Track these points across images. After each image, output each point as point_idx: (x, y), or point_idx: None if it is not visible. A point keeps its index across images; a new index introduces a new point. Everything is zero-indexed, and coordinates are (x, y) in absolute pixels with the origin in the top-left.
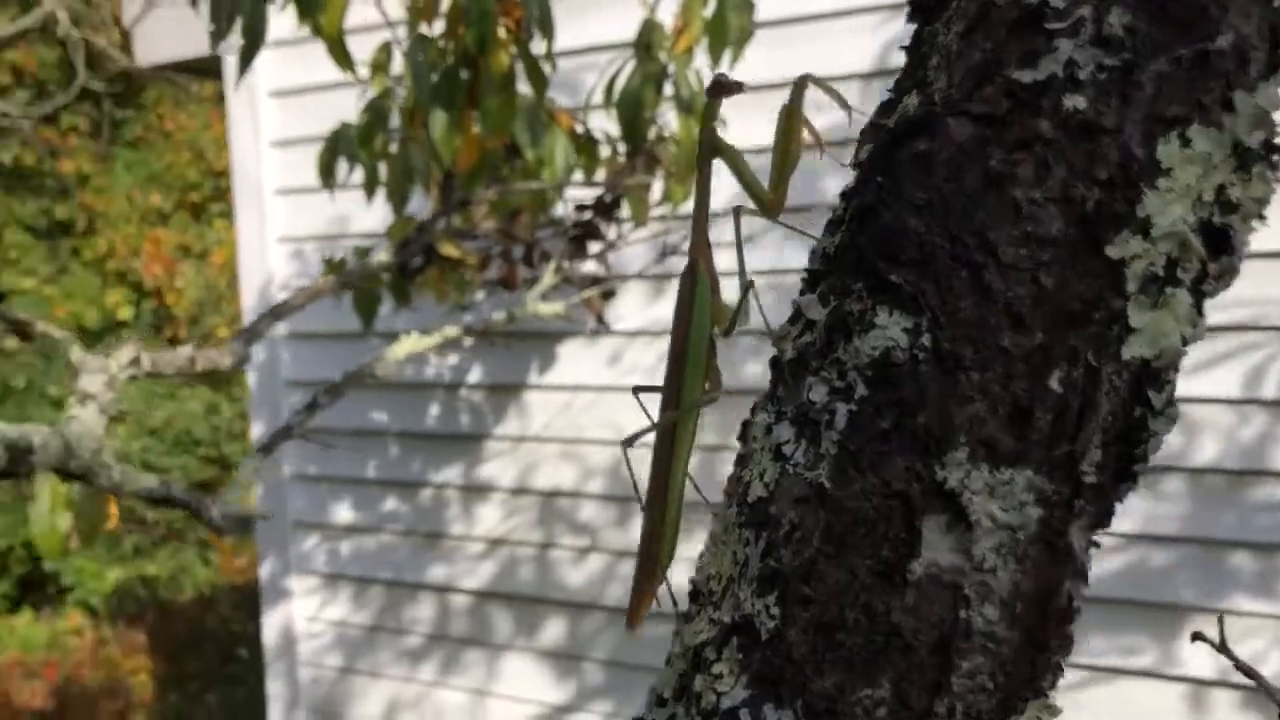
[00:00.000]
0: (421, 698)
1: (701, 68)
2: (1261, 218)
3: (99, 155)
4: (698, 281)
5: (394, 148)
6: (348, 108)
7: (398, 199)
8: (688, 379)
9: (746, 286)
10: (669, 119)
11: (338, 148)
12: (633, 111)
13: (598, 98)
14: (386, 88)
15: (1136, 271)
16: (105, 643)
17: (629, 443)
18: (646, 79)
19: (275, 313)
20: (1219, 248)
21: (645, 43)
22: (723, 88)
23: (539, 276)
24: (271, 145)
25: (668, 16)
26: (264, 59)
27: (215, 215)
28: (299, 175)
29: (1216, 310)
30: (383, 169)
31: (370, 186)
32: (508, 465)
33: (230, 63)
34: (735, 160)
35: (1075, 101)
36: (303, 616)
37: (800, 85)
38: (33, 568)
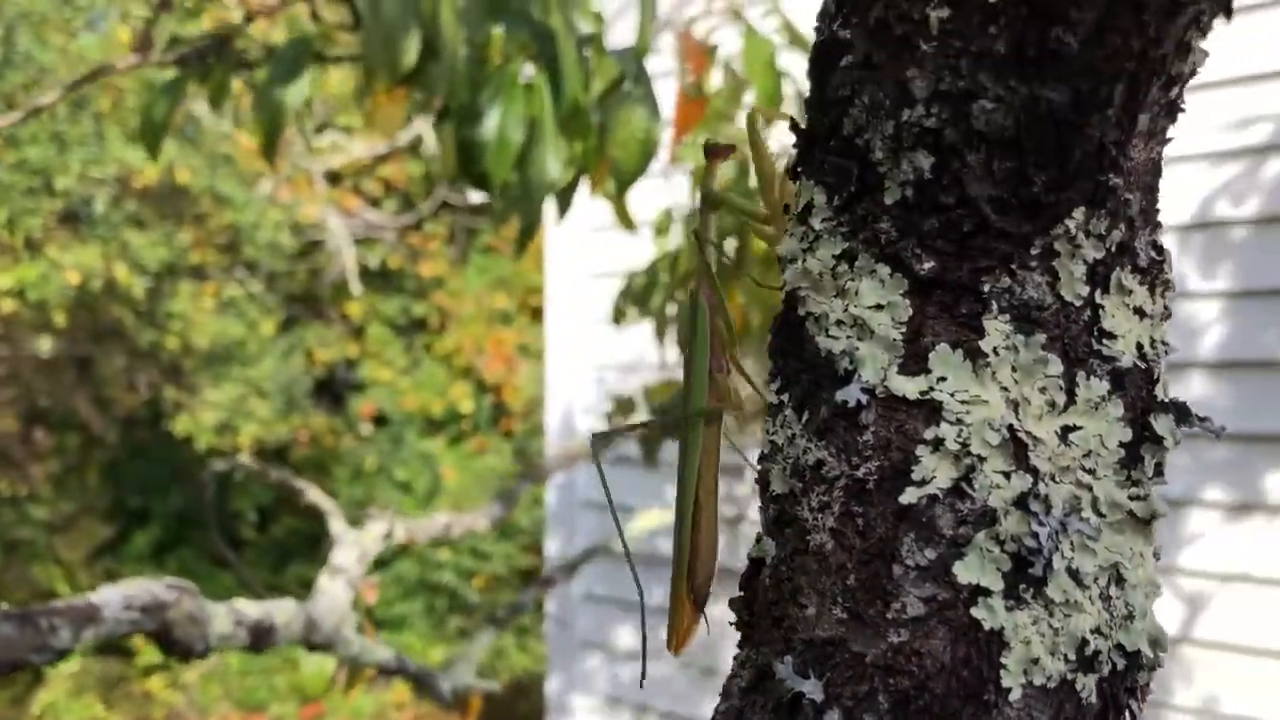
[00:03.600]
0: None
1: None
2: None
3: (454, 260)
4: (699, 308)
5: (680, 294)
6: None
7: (683, 344)
8: (694, 398)
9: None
10: None
11: (628, 296)
12: None
13: None
14: (664, 254)
15: None
16: (423, 719)
17: (596, 440)
18: None
19: (534, 476)
20: None
21: None
22: (715, 151)
23: None
24: (591, 277)
25: None
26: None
27: None
28: (606, 307)
29: None
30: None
31: (659, 331)
32: None
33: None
34: (733, 206)
35: None
36: None
37: (752, 118)
38: None
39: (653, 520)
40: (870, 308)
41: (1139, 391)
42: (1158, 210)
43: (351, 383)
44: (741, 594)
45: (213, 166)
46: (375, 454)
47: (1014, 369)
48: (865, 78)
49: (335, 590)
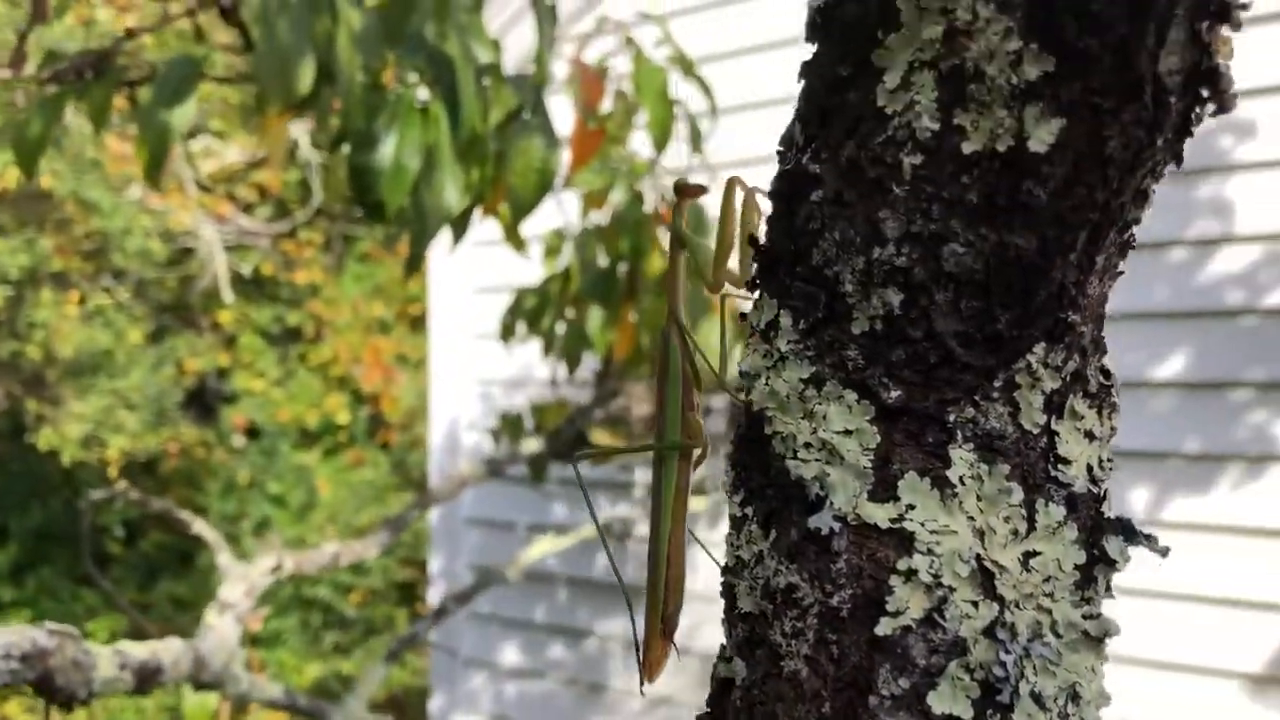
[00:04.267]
0: None
1: None
2: None
3: (330, 267)
4: (670, 348)
5: (570, 313)
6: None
7: (572, 363)
8: (666, 432)
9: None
10: None
11: (517, 313)
12: None
13: None
14: (555, 274)
15: None
16: None
17: (578, 459)
18: None
19: (421, 503)
20: None
21: None
22: (685, 190)
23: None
24: (475, 292)
25: None
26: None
27: None
28: (492, 322)
29: None
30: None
31: (548, 349)
32: None
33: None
34: (695, 249)
35: None
36: None
37: (730, 185)
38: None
39: (545, 547)
40: (839, 433)
41: (1089, 512)
42: (1104, 336)
43: (223, 394)
44: (709, 712)
45: (79, 172)
46: (248, 467)
47: (979, 498)
48: (836, 214)
49: (223, 627)
